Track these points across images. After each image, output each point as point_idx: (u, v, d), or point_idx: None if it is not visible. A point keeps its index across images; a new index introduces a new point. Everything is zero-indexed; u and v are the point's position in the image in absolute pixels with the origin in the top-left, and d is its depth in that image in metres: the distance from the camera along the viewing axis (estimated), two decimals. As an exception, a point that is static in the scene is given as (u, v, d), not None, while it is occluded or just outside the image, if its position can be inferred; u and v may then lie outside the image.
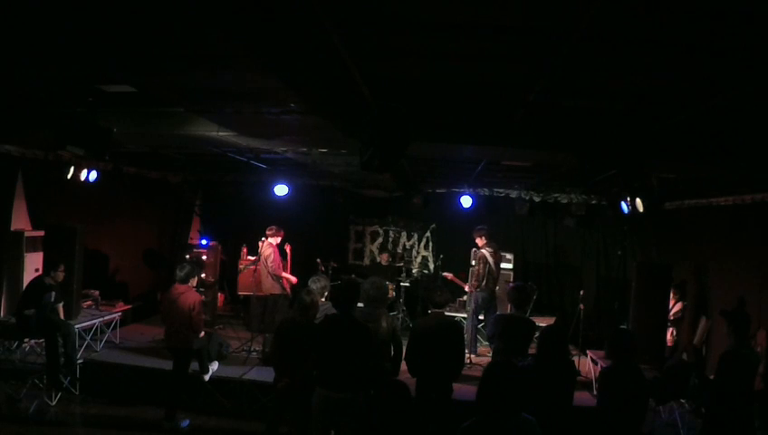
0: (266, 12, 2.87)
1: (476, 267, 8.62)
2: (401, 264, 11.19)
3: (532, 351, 4.98)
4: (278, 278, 8.45)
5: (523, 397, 2.92)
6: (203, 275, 9.11)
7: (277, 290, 8.50)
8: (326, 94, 4.32)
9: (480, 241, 8.81)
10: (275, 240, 8.65)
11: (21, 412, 6.32)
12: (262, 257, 8.53)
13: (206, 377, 6.62)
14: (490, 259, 8.61)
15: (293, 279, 8.63)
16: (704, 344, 7.56)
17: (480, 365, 7.95)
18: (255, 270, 8.75)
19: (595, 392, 6.65)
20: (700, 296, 8.09)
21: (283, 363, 4.82)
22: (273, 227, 8.70)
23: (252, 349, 7.87)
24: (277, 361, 4.92)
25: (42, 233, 7.87)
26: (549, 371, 4.19)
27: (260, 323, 8.45)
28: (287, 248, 9.06)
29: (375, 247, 11.87)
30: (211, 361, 6.76)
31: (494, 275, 8.67)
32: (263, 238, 8.70)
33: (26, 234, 7.74)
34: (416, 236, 11.86)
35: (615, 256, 9.91)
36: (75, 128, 5.03)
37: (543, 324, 6.10)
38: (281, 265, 8.60)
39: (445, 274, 9.61)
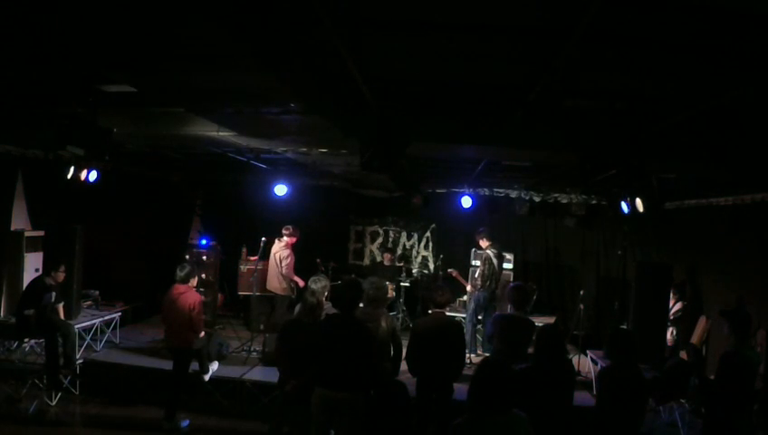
0: (266, 11, 2.87)
1: (481, 268, 8.68)
2: (401, 264, 11.19)
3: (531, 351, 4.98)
4: (290, 280, 8.41)
5: (513, 394, 2.96)
6: (203, 275, 9.10)
7: (283, 291, 8.47)
8: (326, 94, 4.32)
9: (483, 243, 8.86)
10: (290, 240, 8.60)
11: (21, 412, 6.32)
12: (276, 257, 8.48)
13: (206, 377, 6.62)
14: (494, 260, 8.69)
15: (302, 283, 8.55)
16: (704, 344, 7.55)
17: (480, 365, 7.94)
18: (256, 269, 8.74)
19: (595, 392, 6.65)
20: (696, 296, 8.09)
21: (290, 365, 4.82)
22: (290, 226, 8.64)
23: (252, 349, 7.86)
24: (284, 362, 4.91)
25: (42, 233, 7.87)
26: (546, 370, 4.19)
27: (267, 322, 8.41)
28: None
29: (375, 247, 11.86)
30: (211, 361, 6.76)
31: (496, 275, 8.74)
32: (278, 238, 8.65)
33: (26, 234, 7.74)
34: (416, 236, 11.85)
35: (615, 256, 9.90)
36: (75, 128, 5.03)
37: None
38: (293, 267, 8.56)
39: (450, 270, 9.61)
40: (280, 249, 8.48)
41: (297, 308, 5.58)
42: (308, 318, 4.88)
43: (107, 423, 6.33)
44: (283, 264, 8.40)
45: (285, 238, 8.58)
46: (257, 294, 8.76)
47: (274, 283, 8.55)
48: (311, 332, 4.76)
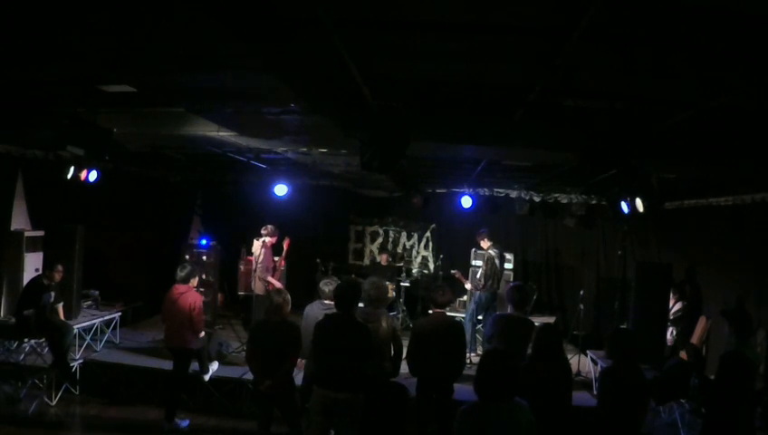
0: (267, 12, 2.87)
1: (484, 268, 8.68)
2: (401, 264, 11.19)
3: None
4: (265, 282, 8.32)
5: (515, 383, 3.19)
6: (203, 275, 9.08)
7: (261, 291, 8.38)
8: (326, 94, 4.33)
9: (485, 243, 8.87)
10: (270, 240, 8.46)
11: (21, 412, 6.32)
12: (256, 259, 8.43)
13: (206, 377, 6.61)
14: (497, 260, 8.70)
15: (278, 285, 8.43)
16: (704, 344, 7.56)
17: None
18: (252, 270, 8.68)
19: (595, 392, 6.65)
20: (696, 296, 8.10)
21: (262, 365, 4.85)
22: (270, 226, 8.40)
23: (252, 349, 7.83)
24: (256, 363, 4.94)
25: (42, 233, 7.87)
26: (544, 369, 4.19)
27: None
28: (285, 244, 8.92)
29: (375, 247, 11.87)
30: (211, 361, 6.76)
31: (498, 275, 8.75)
32: (257, 238, 8.57)
33: (26, 234, 7.73)
34: (416, 236, 11.86)
35: (615, 256, 9.91)
36: (75, 128, 5.03)
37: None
38: (269, 269, 8.44)
39: (453, 271, 9.59)
40: (257, 250, 8.32)
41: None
42: (276, 317, 4.90)
43: (107, 423, 6.32)
44: (258, 262, 8.26)
45: (265, 239, 8.41)
46: (257, 294, 8.73)
47: (257, 282, 8.45)
48: (279, 330, 4.82)
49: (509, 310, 5.59)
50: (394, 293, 9.89)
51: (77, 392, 6.91)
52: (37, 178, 7.85)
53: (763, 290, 6.46)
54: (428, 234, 11.81)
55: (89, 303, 8.37)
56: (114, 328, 8.24)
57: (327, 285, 5.43)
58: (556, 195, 10.00)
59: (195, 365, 6.45)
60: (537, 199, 10.00)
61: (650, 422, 6.13)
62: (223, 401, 6.83)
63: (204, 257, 9.62)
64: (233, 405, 6.79)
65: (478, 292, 8.62)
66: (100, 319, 7.95)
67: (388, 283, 9.24)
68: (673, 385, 5.72)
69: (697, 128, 4.60)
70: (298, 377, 5.30)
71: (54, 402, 6.61)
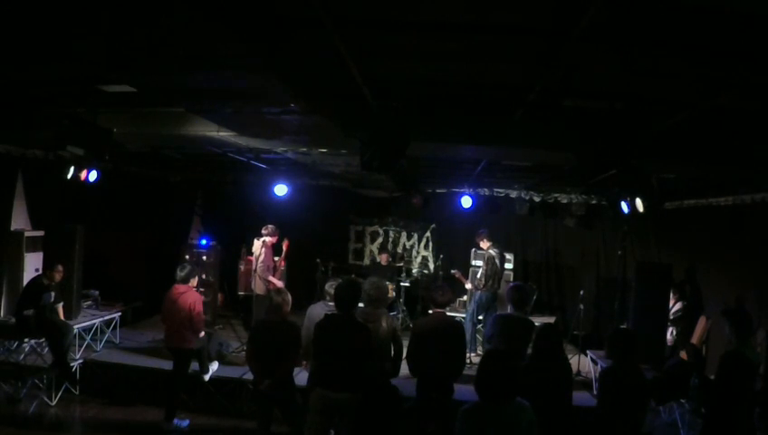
0: (267, 11, 2.87)
1: (485, 268, 8.68)
2: (401, 264, 11.19)
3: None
4: (266, 281, 8.31)
5: (517, 384, 3.21)
6: (203, 275, 9.08)
7: (261, 291, 8.38)
8: (326, 94, 4.33)
9: (484, 244, 8.89)
10: (271, 240, 8.46)
11: (21, 412, 6.32)
12: (257, 258, 8.43)
13: (206, 377, 6.61)
14: (497, 260, 8.71)
15: (279, 284, 8.42)
16: (704, 344, 7.56)
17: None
18: (252, 269, 8.68)
19: (595, 392, 6.65)
20: (696, 296, 8.10)
21: (262, 365, 4.87)
22: (270, 226, 8.41)
23: (252, 349, 7.82)
24: (256, 363, 4.96)
25: (42, 233, 7.87)
26: (544, 368, 4.19)
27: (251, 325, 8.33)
28: (284, 245, 8.93)
29: (375, 247, 11.87)
30: (211, 361, 6.76)
31: (498, 275, 8.76)
32: (257, 237, 8.56)
33: (26, 234, 7.73)
34: (416, 236, 11.86)
35: (615, 256, 9.91)
36: (75, 128, 5.03)
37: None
38: (269, 268, 8.44)
39: (453, 271, 9.58)
40: (258, 250, 8.32)
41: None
42: (276, 317, 4.91)
43: (107, 423, 6.32)
44: (258, 262, 8.25)
45: (266, 238, 8.40)
46: (257, 293, 8.73)
47: (257, 282, 8.44)
48: (279, 330, 4.85)
49: (509, 310, 5.59)
50: (394, 293, 9.89)
51: (77, 392, 6.91)
52: (37, 178, 7.85)
53: (763, 290, 6.46)
54: (428, 234, 11.80)
55: (89, 303, 8.37)
56: (114, 328, 8.24)
57: (333, 287, 5.43)
58: (556, 195, 10.01)
59: (195, 365, 6.45)
60: (537, 199, 10.00)
61: (650, 422, 6.13)
62: (223, 401, 6.83)
63: (204, 257, 9.64)
64: (233, 405, 6.79)
65: (479, 292, 8.62)
66: (100, 319, 7.95)
67: (388, 283, 9.22)
68: (673, 385, 5.72)
69: (697, 128, 4.60)
70: (301, 377, 5.30)
71: (54, 402, 6.61)
